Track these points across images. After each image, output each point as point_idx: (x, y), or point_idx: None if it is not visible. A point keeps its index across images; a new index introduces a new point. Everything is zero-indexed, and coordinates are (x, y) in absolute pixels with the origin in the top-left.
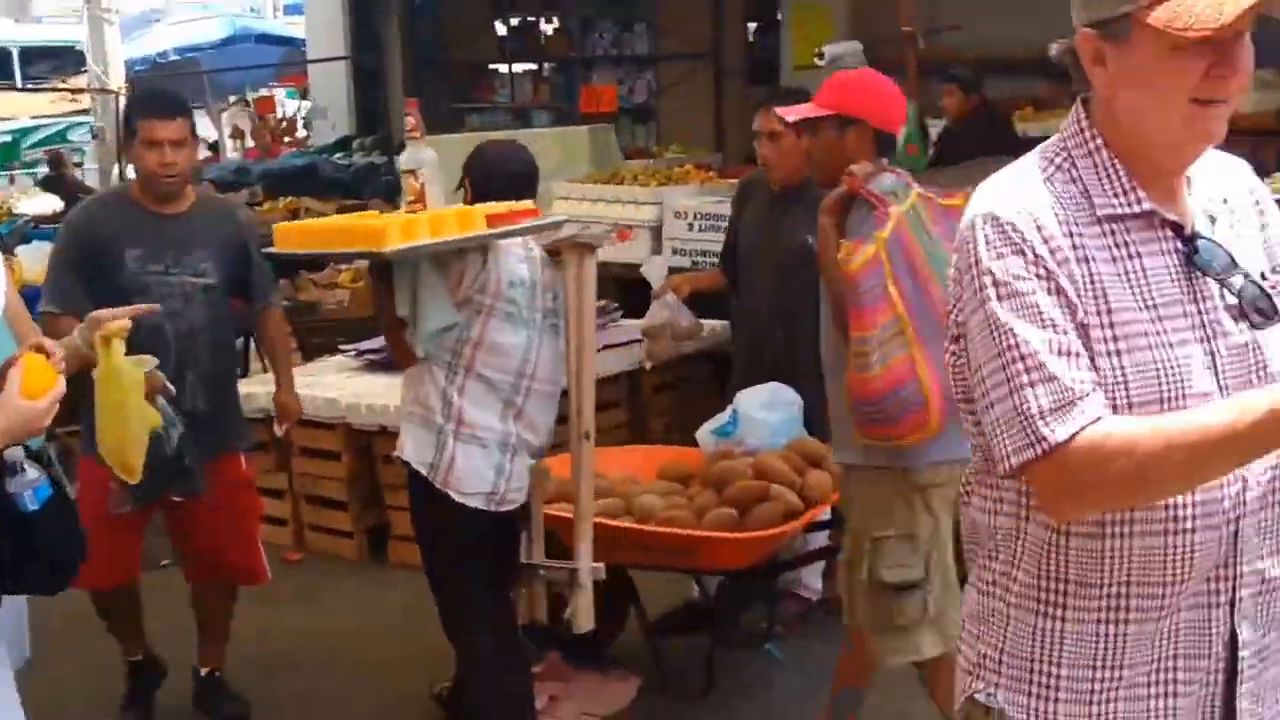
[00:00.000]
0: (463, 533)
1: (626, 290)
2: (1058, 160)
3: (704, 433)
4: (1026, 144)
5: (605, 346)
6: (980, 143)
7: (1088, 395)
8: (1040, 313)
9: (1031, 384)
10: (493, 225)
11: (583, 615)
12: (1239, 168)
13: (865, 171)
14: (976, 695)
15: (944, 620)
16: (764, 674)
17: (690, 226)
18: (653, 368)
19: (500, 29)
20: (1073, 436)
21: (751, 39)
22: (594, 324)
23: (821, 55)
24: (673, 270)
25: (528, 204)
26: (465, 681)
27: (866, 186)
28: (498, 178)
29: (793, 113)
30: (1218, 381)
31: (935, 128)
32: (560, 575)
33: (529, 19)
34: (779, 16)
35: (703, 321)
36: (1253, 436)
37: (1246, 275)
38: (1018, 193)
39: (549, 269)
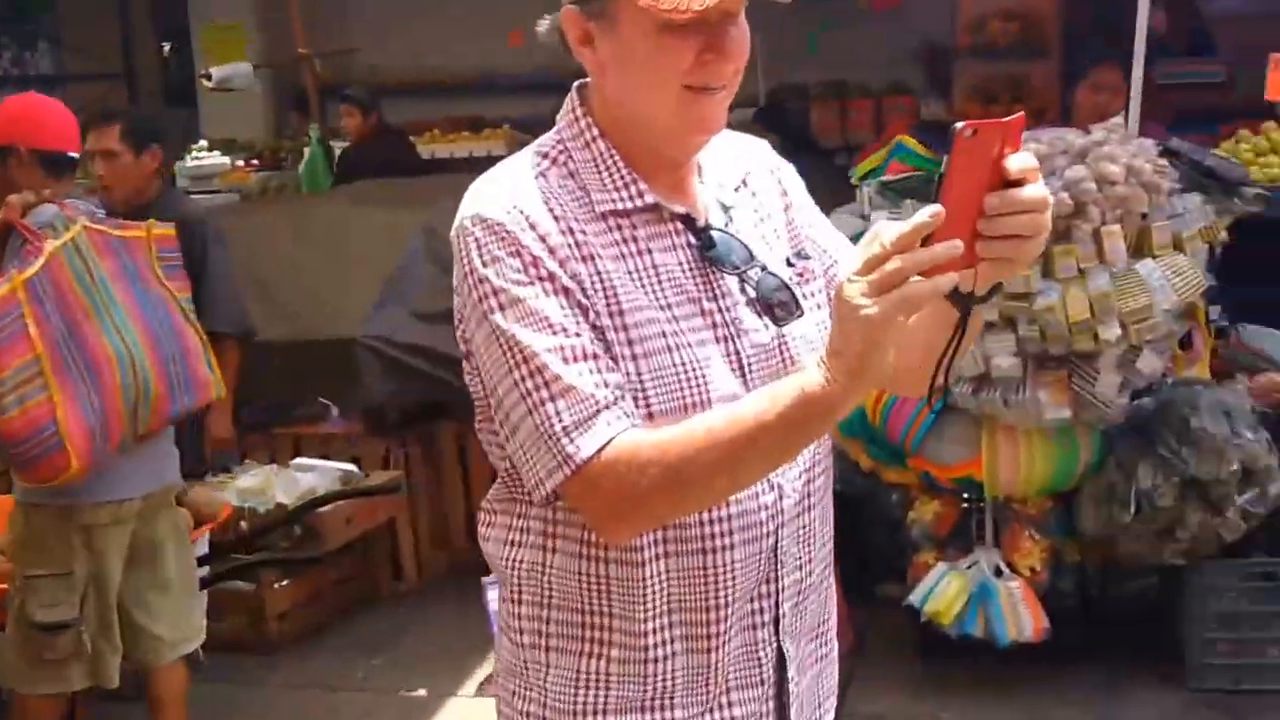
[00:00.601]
0: None
1: None
2: (553, 154)
3: None
4: (427, 164)
5: None
6: (379, 162)
7: (612, 403)
8: (546, 319)
9: (551, 398)
10: None
11: None
12: (760, 147)
13: (25, 202)
14: None
15: (96, 657)
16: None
17: None
18: None
19: None
20: (600, 450)
21: (167, 58)
22: None
23: (209, 77)
24: None
25: None
26: None
27: (23, 219)
28: None
29: None
30: (745, 383)
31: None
32: None
33: None
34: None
35: None
36: (785, 424)
37: (765, 268)
38: (506, 191)
39: None
